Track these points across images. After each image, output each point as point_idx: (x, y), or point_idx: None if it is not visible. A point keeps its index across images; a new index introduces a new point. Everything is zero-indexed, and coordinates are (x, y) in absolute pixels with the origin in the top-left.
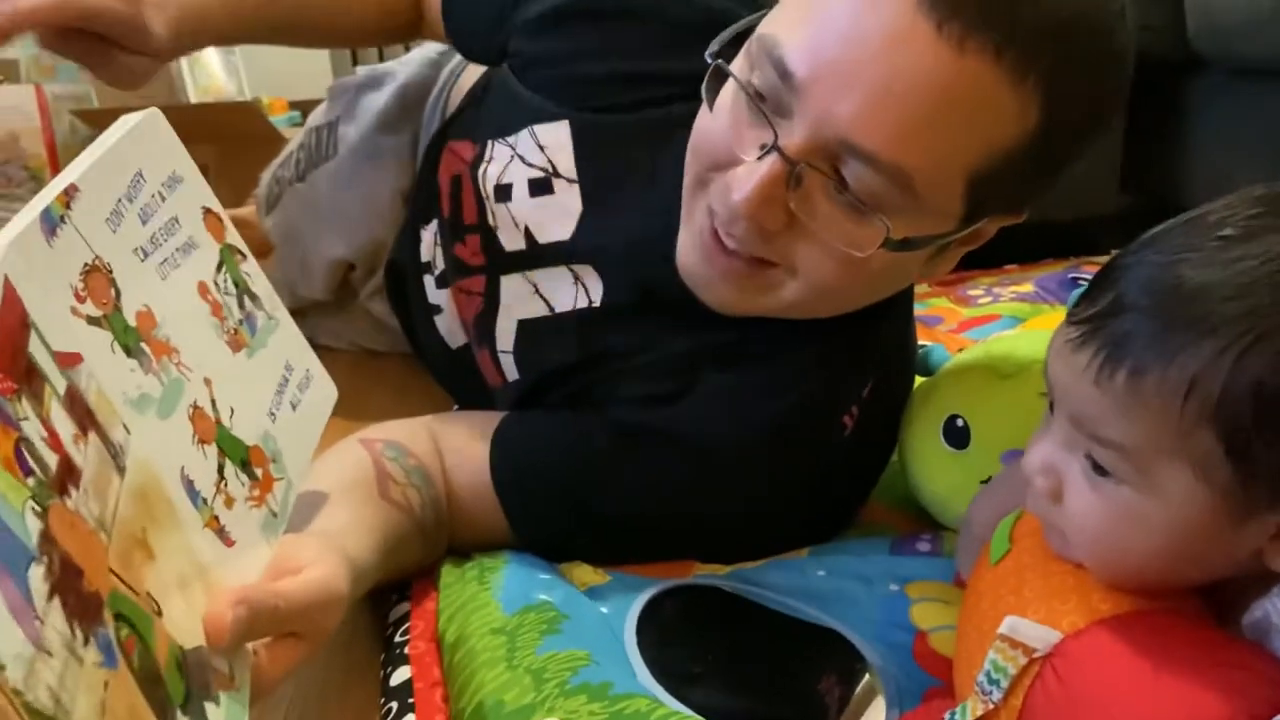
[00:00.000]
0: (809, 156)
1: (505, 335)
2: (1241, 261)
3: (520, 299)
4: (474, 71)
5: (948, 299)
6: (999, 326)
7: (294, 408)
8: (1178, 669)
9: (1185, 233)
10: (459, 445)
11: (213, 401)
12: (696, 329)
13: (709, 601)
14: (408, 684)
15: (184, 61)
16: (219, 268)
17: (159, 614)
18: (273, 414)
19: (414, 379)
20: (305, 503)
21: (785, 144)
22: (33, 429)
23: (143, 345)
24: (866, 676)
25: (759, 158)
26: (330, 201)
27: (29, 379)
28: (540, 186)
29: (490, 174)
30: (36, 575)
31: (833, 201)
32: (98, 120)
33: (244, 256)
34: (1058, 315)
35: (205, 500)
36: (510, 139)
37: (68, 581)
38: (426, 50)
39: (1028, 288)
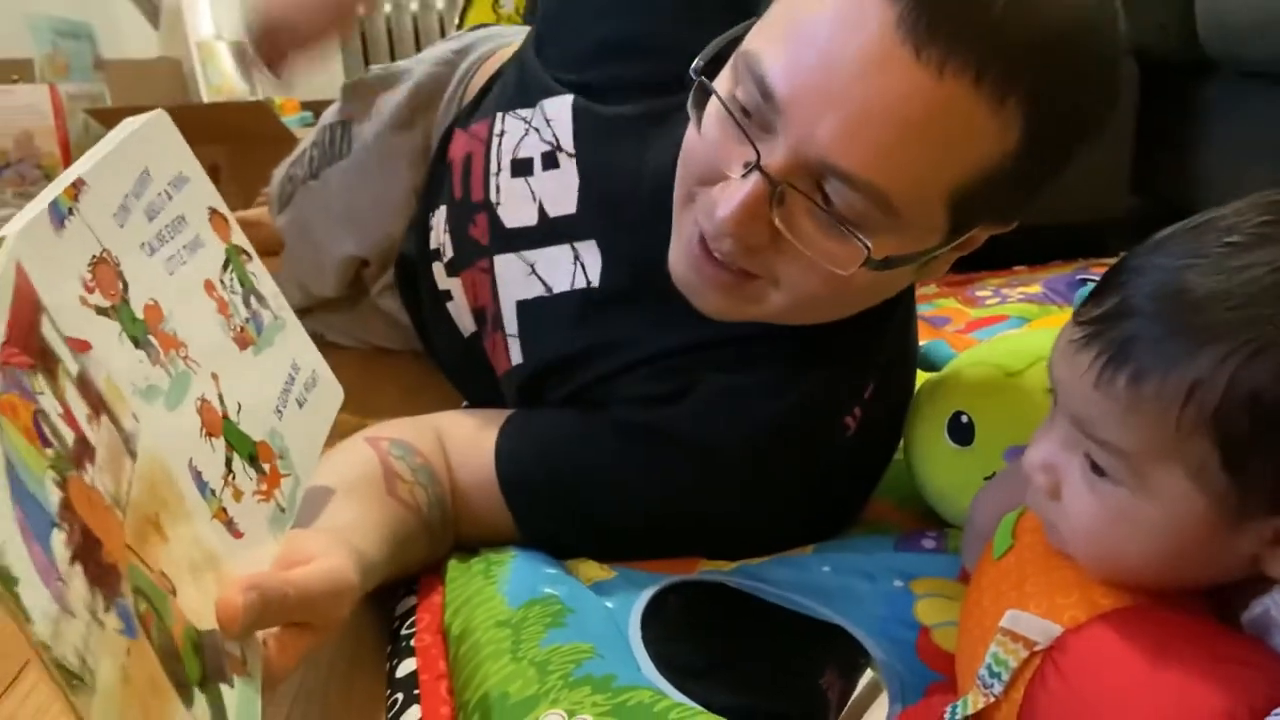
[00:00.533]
0: (791, 176)
1: (509, 319)
2: (1248, 270)
3: (516, 279)
4: (488, 69)
5: (955, 299)
6: (1006, 327)
7: (300, 406)
8: (1178, 663)
9: (1193, 238)
10: (464, 444)
11: (220, 396)
12: (697, 322)
13: (714, 597)
14: (413, 676)
15: (197, 61)
16: (225, 267)
17: (173, 593)
18: (279, 411)
19: (423, 377)
20: (312, 499)
21: (768, 163)
22: (49, 404)
23: (150, 337)
24: (870, 672)
25: (743, 175)
26: (344, 199)
27: (43, 357)
28: (549, 160)
29: (505, 147)
30: (58, 541)
31: (815, 219)
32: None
33: (250, 257)
34: (1065, 316)
35: (214, 492)
36: (525, 112)
37: (88, 550)
38: (440, 49)
39: (1036, 289)
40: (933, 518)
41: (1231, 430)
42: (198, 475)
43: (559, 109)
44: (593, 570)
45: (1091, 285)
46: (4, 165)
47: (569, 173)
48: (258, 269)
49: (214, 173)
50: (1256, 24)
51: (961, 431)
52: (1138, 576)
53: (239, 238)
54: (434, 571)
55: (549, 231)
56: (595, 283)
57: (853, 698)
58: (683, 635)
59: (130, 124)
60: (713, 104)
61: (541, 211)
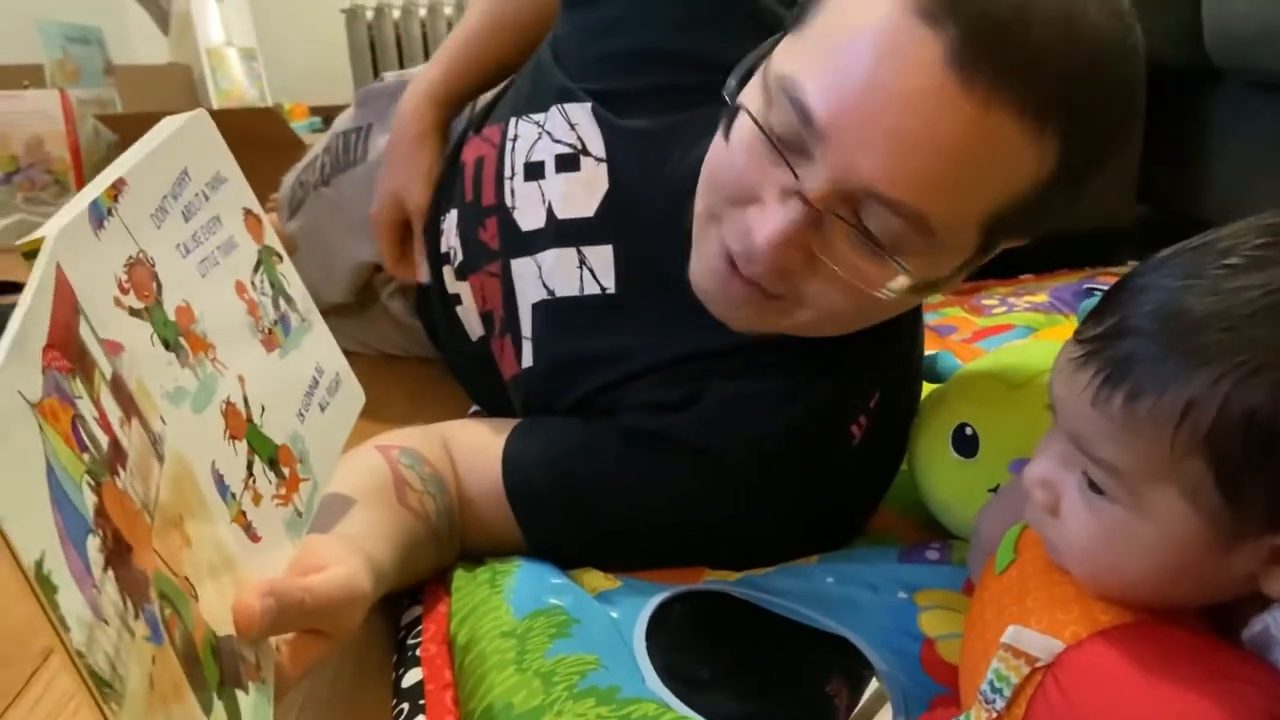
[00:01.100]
0: (831, 202)
1: (526, 321)
2: (1244, 292)
3: (531, 282)
4: None
5: (962, 308)
6: (1013, 336)
7: (322, 410)
8: (1178, 680)
9: (1192, 258)
10: (471, 453)
11: (245, 399)
12: (705, 330)
13: (718, 607)
14: (419, 686)
15: (207, 66)
16: (256, 268)
17: (196, 599)
18: (301, 415)
19: (429, 384)
20: (324, 506)
21: (808, 189)
22: (86, 408)
23: (181, 340)
24: (874, 683)
25: (780, 201)
26: (357, 205)
27: (81, 360)
28: (567, 162)
29: (519, 150)
30: (93, 546)
31: (851, 242)
32: (120, 125)
33: (281, 258)
34: (1072, 326)
35: (234, 495)
36: (538, 116)
37: (119, 556)
38: None
39: (1042, 298)
40: (937, 529)
41: (1225, 450)
42: (219, 478)
43: (583, 115)
44: (597, 580)
45: (1098, 296)
46: (14, 170)
47: (596, 177)
48: (288, 270)
49: None
50: (1263, 33)
51: (966, 443)
52: (1134, 594)
53: (271, 239)
54: (439, 581)
55: (554, 234)
56: (611, 289)
57: (857, 709)
58: (687, 645)
59: (171, 123)
60: (743, 124)
61: (550, 213)
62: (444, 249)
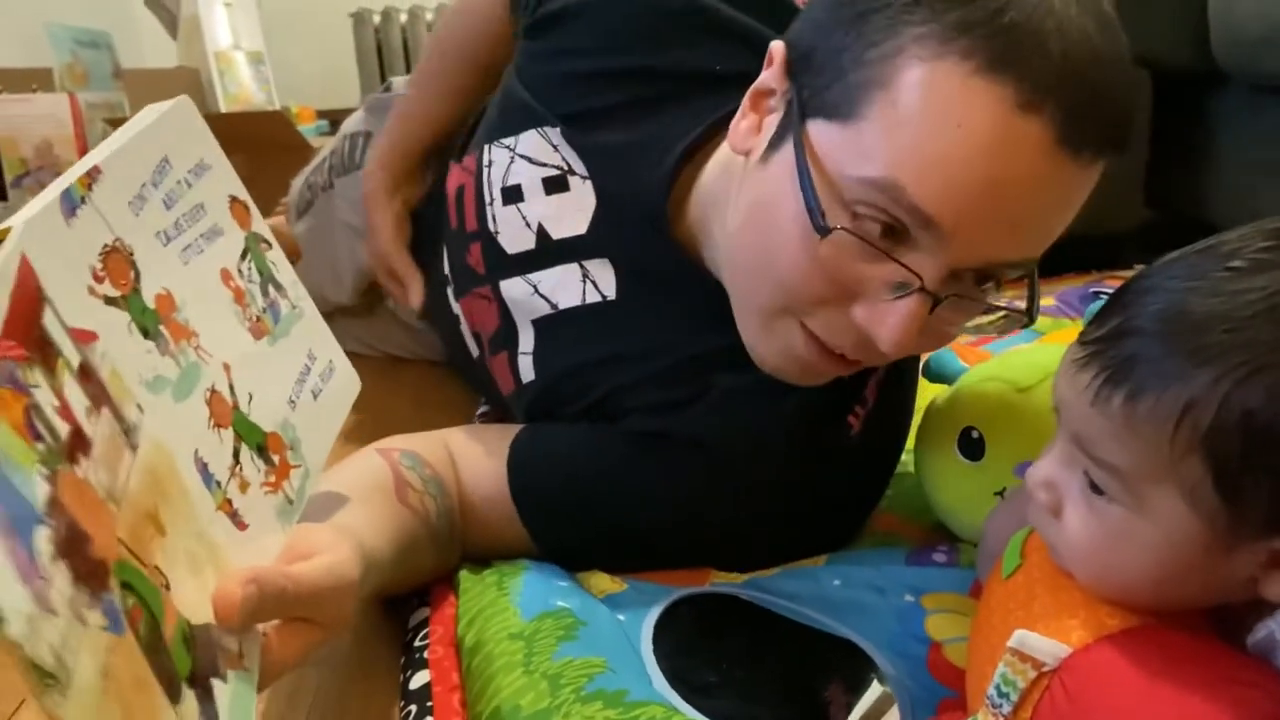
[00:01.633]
0: (949, 285)
1: (526, 337)
2: (1245, 294)
3: (523, 300)
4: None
5: None
6: (1019, 339)
7: (315, 397)
8: (1184, 685)
9: (1197, 261)
10: (475, 458)
11: (231, 387)
12: (708, 332)
13: (725, 610)
14: (426, 688)
15: (214, 70)
16: (243, 255)
17: (167, 588)
18: (293, 402)
19: (436, 386)
20: (321, 503)
21: (929, 280)
22: (44, 397)
23: (161, 328)
24: (881, 687)
25: (893, 293)
26: (357, 208)
27: (42, 350)
28: (556, 184)
29: (494, 176)
30: (42, 536)
31: (972, 306)
32: None
33: (270, 245)
34: (1078, 329)
35: (219, 483)
36: (508, 141)
37: (74, 545)
38: None
39: (1049, 301)
40: (944, 532)
41: (1224, 451)
42: (203, 467)
43: (558, 138)
44: (604, 583)
45: (1105, 299)
46: (24, 173)
47: (584, 195)
48: (277, 257)
49: None
50: (1269, 37)
51: (972, 447)
52: (1135, 595)
53: (259, 225)
54: (446, 583)
55: (553, 253)
56: (611, 296)
57: (863, 712)
58: (694, 648)
59: (153, 111)
60: (835, 238)
61: (542, 234)
62: (444, 271)
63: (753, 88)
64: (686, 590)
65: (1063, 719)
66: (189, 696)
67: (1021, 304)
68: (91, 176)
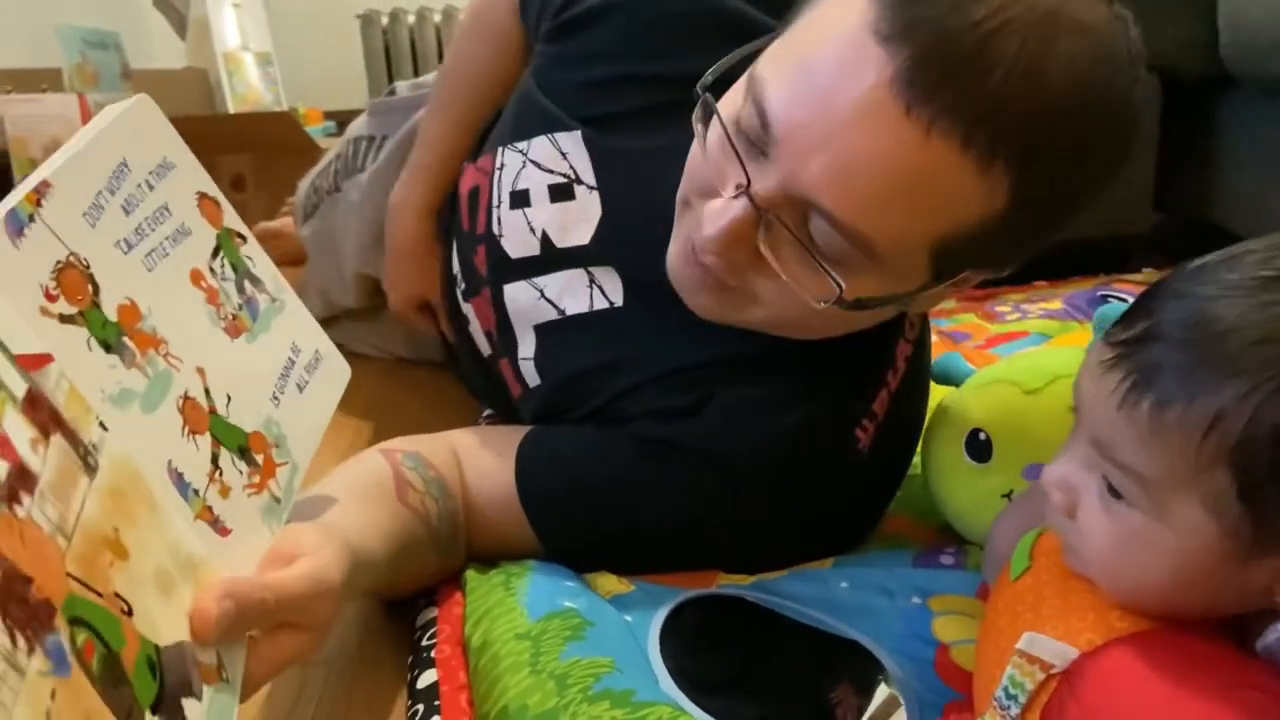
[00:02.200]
0: (778, 206)
1: (526, 343)
2: (1275, 306)
3: (528, 305)
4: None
5: (975, 315)
6: (1027, 343)
7: (301, 390)
8: (1194, 689)
9: (1226, 268)
10: (481, 461)
11: (206, 391)
12: (712, 339)
13: (732, 611)
14: (434, 687)
15: (223, 71)
16: (215, 253)
17: (128, 614)
18: (276, 398)
19: (444, 388)
20: (319, 502)
21: (757, 190)
22: None
23: (125, 340)
24: (887, 689)
25: (732, 197)
26: (358, 211)
27: None
28: (562, 192)
29: (505, 179)
30: None
31: (796, 250)
32: None
33: (244, 239)
34: (1085, 333)
35: (197, 491)
36: (521, 145)
37: (11, 591)
38: None
39: (1056, 305)
40: (951, 534)
41: (1251, 464)
42: (179, 477)
43: (573, 143)
44: (611, 583)
45: (1113, 303)
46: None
47: (589, 205)
48: (253, 251)
49: (239, 182)
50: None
51: (979, 449)
52: (1148, 601)
53: (232, 220)
54: (454, 582)
55: (558, 259)
56: (618, 303)
57: (870, 714)
58: (701, 649)
59: (109, 113)
60: (716, 121)
61: (546, 241)
62: (454, 271)
63: None
64: (694, 591)
65: None
66: None
67: (849, 281)
68: (40, 192)
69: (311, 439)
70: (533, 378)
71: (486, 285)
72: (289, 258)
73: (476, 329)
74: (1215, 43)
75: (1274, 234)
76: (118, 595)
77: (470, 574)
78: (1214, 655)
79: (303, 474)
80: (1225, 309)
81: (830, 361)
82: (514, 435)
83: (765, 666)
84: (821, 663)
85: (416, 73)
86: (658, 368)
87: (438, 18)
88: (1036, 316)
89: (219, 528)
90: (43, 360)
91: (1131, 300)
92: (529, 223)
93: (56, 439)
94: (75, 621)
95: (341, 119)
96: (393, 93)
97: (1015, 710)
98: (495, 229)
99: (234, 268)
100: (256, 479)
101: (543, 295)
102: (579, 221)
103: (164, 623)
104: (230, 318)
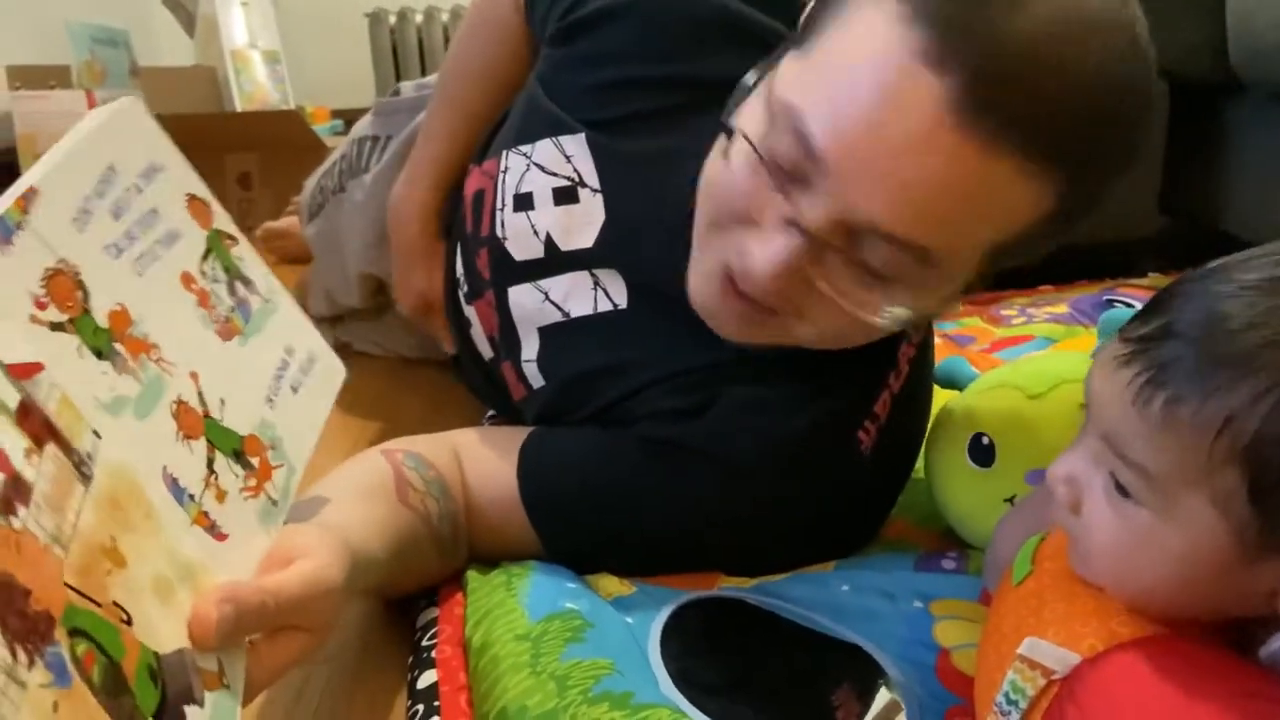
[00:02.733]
0: (830, 234)
1: (530, 345)
2: None
3: (532, 308)
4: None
5: (981, 318)
6: (1032, 347)
7: (295, 391)
8: (1196, 696)
9: (1244, 268)
10: (483, 462)
11: (200, 395)
12: (717, 343)
13: (733, 614)
14: (434, 687)
15: (231, 69)
16: (205, 255)
17: (128, 622)
18: (271, 400)
19: (446, 388)
20: (319, 503)
21: (808, 221)
22: None
23: (116, 345)
24: (888, 693)
25: (780, 228)
26: (360, 212)
27: None
28: (565, 195)
29: (509, 182)
30: None
31: (851, 271)
32: None
33: (235, 241)
34: (1091, 337)
35: (192, 497)
36: (525, 148)
37: (9, 604)
38: None
39: (1062, 309)
40: (953, 538)
41: (1262, 464)
42: (173, 482)
43: (577, 146)
44: (612, 585)
45: (1121, 308)
46: None
47: (592, 208)
48: (245, 252)
49: (245, 180)
50: None
51: (982, 453)
52: (1151, 601)
53: (223, 221)
54: (455, 582)
55: (562, 262)
56: (622, 305)
57: (871, 718)
58: (702, 652)
59: (96, 116)
60: (743, 145)
61: (550, 244)
62: (457, 274)
63: None
64: (695, 594)
65: None
66: None
67: (909, 293)
68: (27, 199)
69: (308, 440)
70: (536, 380)
71: (490, 288)
72: (294, 257)
73: (478, 331)
74: (1223, 47)
75: None
76: (116, 604)
77: (471, 574)
78: (1218, 662)
79: (299, 476)
80: (1241, 308)
81: (833, 363)
82: (516, 436)
83: (766, 669)
84: (822, 666)
85: (424, 71)
86: (662, 370)
87: (445, 17)
88: (1042, 320)
89: (216, 533)
90: (34, 369)
91: (1137, 305)
92: (533, 226)
93: (50, 448)
94: (75, 632)
95: (349, 117)
96: (397, 93)
97: (1016, 716)
98: (499, 232)
99: (225, 270)
100: (253, 482)
101: (547, 298)
102: (583, 224)
103: (164, 630)
104: (222, 320)
